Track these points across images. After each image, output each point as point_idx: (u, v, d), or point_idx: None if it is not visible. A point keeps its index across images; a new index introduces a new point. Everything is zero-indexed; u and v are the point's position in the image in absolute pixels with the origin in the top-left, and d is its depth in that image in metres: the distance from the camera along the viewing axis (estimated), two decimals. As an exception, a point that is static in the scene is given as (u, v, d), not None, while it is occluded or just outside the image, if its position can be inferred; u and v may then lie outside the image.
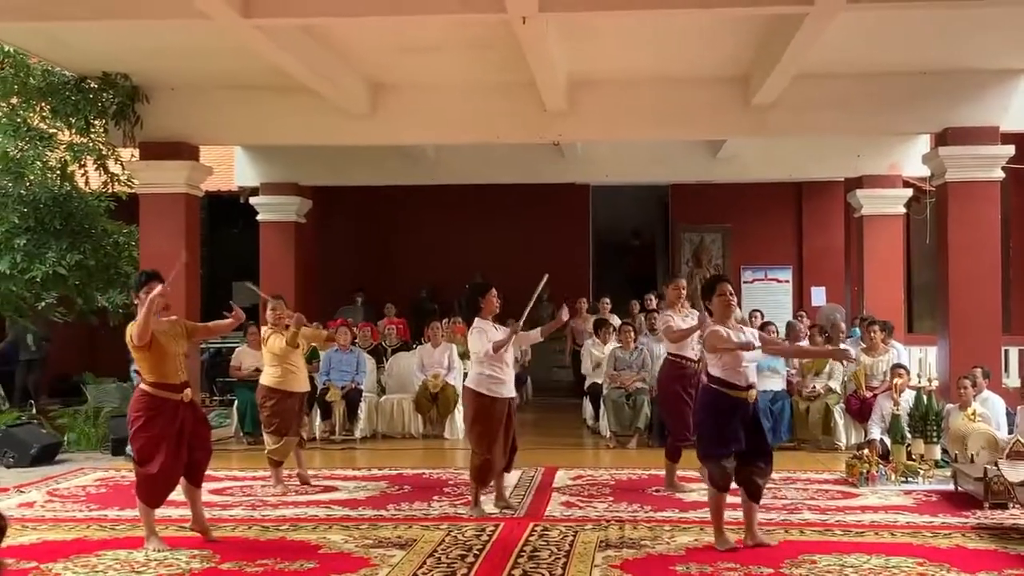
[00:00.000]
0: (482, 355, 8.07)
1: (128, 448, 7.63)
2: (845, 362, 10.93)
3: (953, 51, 10.99)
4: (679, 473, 9.29)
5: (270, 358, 9.48)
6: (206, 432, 7.48)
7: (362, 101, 11.97)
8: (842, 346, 11.46)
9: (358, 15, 8.99)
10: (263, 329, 9.75)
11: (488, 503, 8.33)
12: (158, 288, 6.93)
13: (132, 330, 6.96)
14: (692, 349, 9.12)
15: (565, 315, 8.52)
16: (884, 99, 11.87)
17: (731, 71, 11.63)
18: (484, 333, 8.11)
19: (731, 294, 7.05)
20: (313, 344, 10.72)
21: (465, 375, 13.22)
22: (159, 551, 6.95)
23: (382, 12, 8.91)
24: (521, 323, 8.16)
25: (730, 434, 6.81)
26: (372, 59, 11.21)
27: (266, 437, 9.54)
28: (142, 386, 7.14)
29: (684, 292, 9.40)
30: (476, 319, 8.25)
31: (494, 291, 8.31)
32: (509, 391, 8.24)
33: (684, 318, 9.13)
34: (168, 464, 7.02)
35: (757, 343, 6.92)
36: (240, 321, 7.63)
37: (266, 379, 9.52)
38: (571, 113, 12.06)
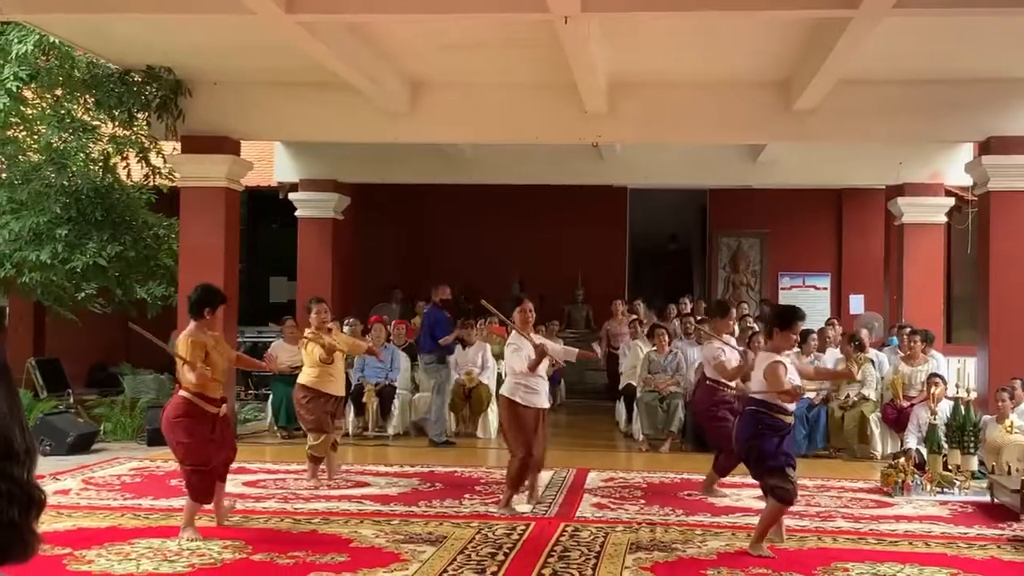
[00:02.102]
0: (517, 369, 8.17)
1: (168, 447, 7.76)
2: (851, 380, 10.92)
3: (998, 59, 10.87)
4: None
5: (308, 359, 9.61)
6: (230, 431, 7.93)
7: (402, 99, 12.00)
8: (872, 351, 11.51)
9: (401, 12, 9.01)
10: (306, 331, 9.85)
11: (520, 503, 8.35)
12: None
13: (189, 350, 7.12)
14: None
15: (599, 351, 8.68)
16: (927, 107, 11.77)
17: (773, 75, 11.56)
18: (520, 351, 8.19)
19: (798, 333, 7.25)
20: (355, 353, 10.82)
21: (499, 375, 13.34)
22: (192, 540, 7.01)
23: (424, 10, 8.93)
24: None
25: (788, 449, 6.99)
26: (413, 57, 11.23)
27: (309, 436, 9.66)
28: (183, 393, 7.24)
29: (732, 323, 9.59)
30: (512, 334, 8.39)
31: (528, 304, 8.41)
32: (542, 401, 8.36)
33: (728, 348, 9.16)
34: (215, 461, 7.29)
35: (798, 381, 7.07)
36: (270, 370, 7.88)
37: (303, 378, 9.64)
38: (610, 115, 12.03)
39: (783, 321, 7.12)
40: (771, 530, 7.07)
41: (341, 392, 9.86)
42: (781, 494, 6.90)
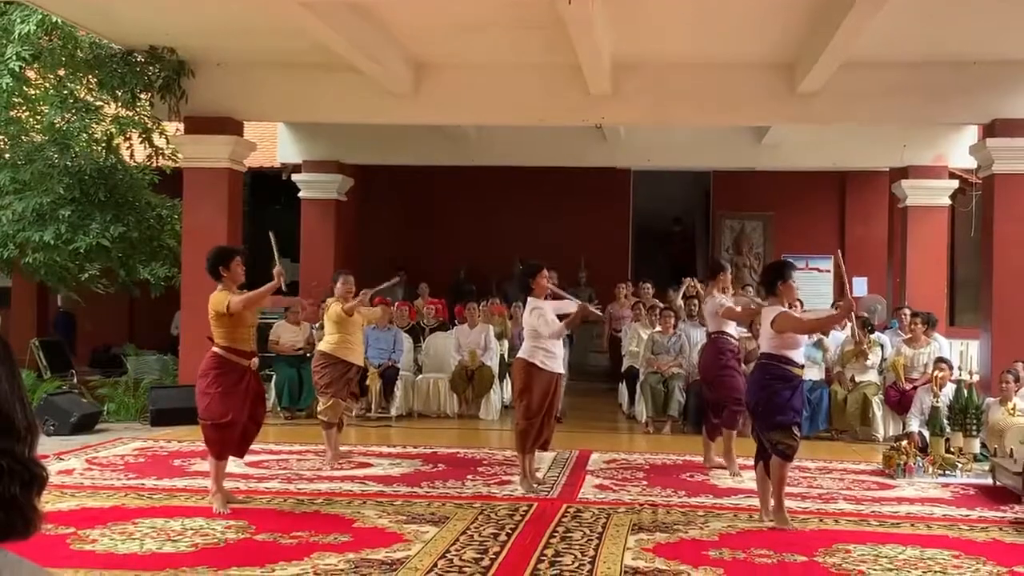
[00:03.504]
0: (545, 334, 8.19)
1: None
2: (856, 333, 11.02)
3: (1002, 42, 10.85)
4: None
5: (330, 327, 9.66)
6: (262, 409, 7.98)
7: (405, 80, 11.98)
8: (877, 336, 11.57)
9: (404, -7, 9.01)
10: (328, 300, 9.92)
11: (519, 485, 8.37)
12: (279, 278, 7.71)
13: (224, 299, 7.42)
14: (735, 328, 9.53)
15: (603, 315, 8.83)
16: (932, 89, 11.75)
17: (777, 57, 11.53)
18: (543, 313, 8.24)
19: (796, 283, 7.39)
20: (371, 321, 10.83)
21: (501, 356, 13.36)
22: (221, 511, 7.19)
23: (428, -9, 8.92)
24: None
25: (796, 404, 7.10)
26: (416, 38, 11.22)
27: (319, 401, 9.70)
28: (214, 349, 7.58)
29: (728, 279, 9.71)
30: (530, 299, 8.39)
31: (545, 272, 8.45)
32: (559, 366, 8.41)
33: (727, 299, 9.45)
34: (236, 417, 7.49)
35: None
36: (280, 281, 7.83)
37: (323, 345, 9.71)
38: (615, 96, 12.02)
39: (780, 275, 7.35)
40: (774, 512, 7.09)
41: (360, 361, 9.88)
42: (784, 449, 7.03)
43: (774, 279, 7.40)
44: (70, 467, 9.06)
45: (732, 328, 9.43)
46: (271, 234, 8.38)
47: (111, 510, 7.34)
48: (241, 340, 7.61)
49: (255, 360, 7.78)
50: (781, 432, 7.05)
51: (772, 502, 7.21)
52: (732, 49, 11.38)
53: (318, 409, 9.71)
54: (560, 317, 8.39)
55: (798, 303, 7.43)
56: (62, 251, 12.46)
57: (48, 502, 7.32)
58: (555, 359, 8.32)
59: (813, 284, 18.22)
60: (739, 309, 9.12)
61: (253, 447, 9.39)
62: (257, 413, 7.83)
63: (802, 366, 7.30)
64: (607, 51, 10.86)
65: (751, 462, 7.78)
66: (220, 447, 7.50)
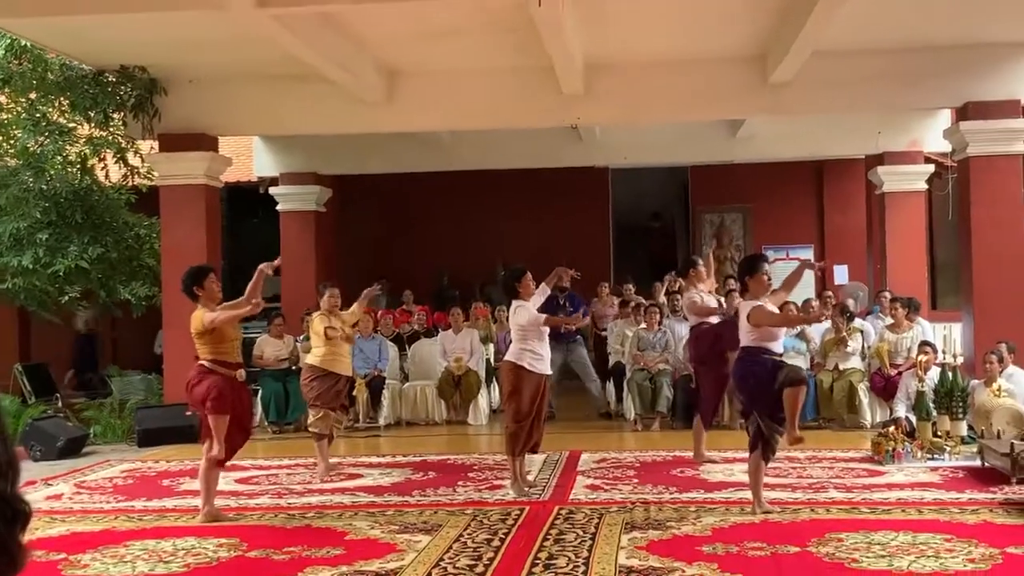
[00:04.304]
0: (528, 325, 8.25)
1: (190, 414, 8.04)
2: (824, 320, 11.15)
3: (973, 25, 10.90)
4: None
5: (316, 339, 9.70)
6: (249, 418, 8.19)
7: (378, 89, 11.97)
8: (859, 321, 11.64)
9: (373, 1, 9.00)
10: (314, 314, 9.95)
11: (529, 472, 8.42)
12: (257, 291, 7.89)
13: (203, 316, 7.55)
14: (716, 320, 9.74)
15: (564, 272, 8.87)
16: (904, 75, 11.80)
17: (748, 50, 11.57)
18: (527, 311, 8.31)
19: (770, 275, 7.49)
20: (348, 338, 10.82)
21: (488, 361, 13.35)
22: (209, 519, 7.41)
23: (397, -2, 8.91)
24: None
25: (777, 399, 7.19)
26: (388, 46, 11.20)
27: (310, 413, 9.70)
28: (201, 361, 7.65)
29: (703, 273, 10.04)
30: (515, 300, 8.46)
31: (529, 275, 8.49)
32: (546, 368, 8.42)
33: (705, 293, 9.86)
34: (232, 412, 7.63)
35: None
36: (262, 273, 8.02)
37: (311, 358, 9.72)
38: (588, 96, 12.03)
39: (750, 268, 7.56)
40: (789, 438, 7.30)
41: (348, 372, 9.87)
42: (766, 445, 7.27)
43: (742, 274, 7.65)
44: (59, 492, 9.01)
45: (713, 320, 9.63)
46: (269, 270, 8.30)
47: (102, 534, 7.30)
48: (226, 353, 7.67)
49: (241, 372, 7.82)
50: (768, 420, 7.23)
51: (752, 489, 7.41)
52: (703, 44, 11.41)
53: (309, 421, 9.69)
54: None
55: (770, 286, 7.49)
56: (41, 275, 12.38)
57: (38, 528, 7.28)
58: (542, 360, 8.33)
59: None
60: (700, 304, 9.63)
61: (242, 463, 9.40)
62: (245, 421, 7.91)
63: (781, 354, 7.42)
64: (579, 52, 10.88)
65: (741, 455, 7.80)
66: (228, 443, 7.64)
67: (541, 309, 12.72)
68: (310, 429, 9.64)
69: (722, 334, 9.39)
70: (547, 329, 8.47)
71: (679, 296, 13.35)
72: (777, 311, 7.52)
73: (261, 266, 8.10)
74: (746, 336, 7.35)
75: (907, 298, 12.26)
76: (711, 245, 10.36)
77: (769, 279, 7.44)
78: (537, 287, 8.52)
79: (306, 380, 9.64)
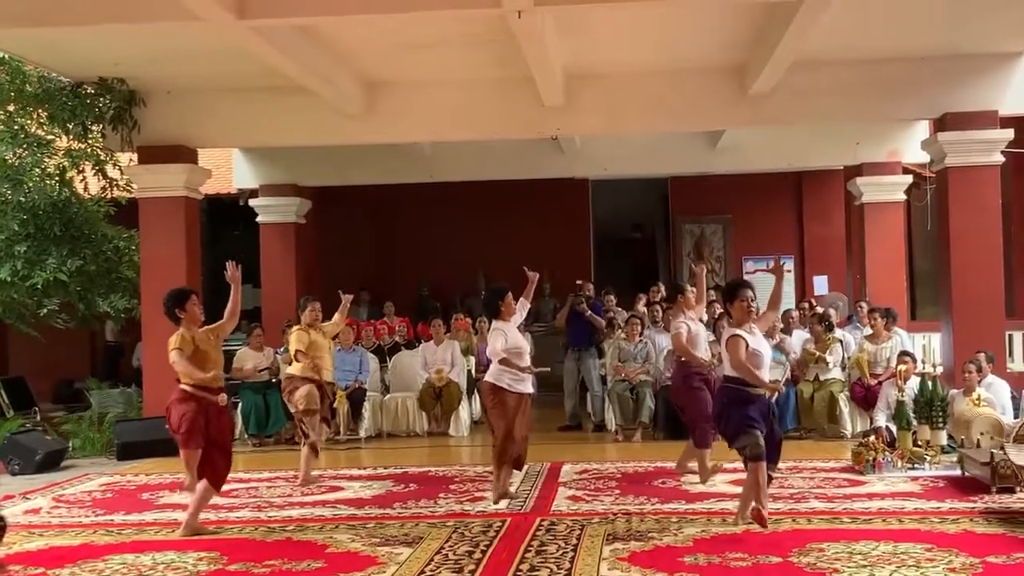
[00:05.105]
0: (498, 352, 8.15)
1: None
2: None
3: (950, 36, 10.98)
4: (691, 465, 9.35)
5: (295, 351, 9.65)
6: (230, 438, 8.06)
7: (357, 100, 11.96)
8: (838, 331, 11.66)
9: (353, 13, 8.97)
10: (294, 328, 9.89)
11: (513, 483, 8.40)
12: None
13: (174, 343, 7.56)
14: (704, 350, 9.38)
15: (533, 276, 8.81)
16: (882, 85, 11.87)
17: (727, 61, 11.62)
18: (503, 334, 8.21)
19: (752, 300, 7.32)
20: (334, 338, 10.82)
21: (469, 372, 13.33)
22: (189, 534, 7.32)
23: (377, 10, 8.89)
24: None
25: (754, 414, 7.06)
26: (367, 58, 11.20)
27: (293, 401, 9.63)
28: (181, 386, 7.60)
29: (692, 299, 9.58)
30: (495, 321, 8.39)
31: (511, 296, 8.43)
32: (527, 387, 8.34)
33: (694, 321, 9.38)
34: (201, 438, 7.58)
35: (764, 348, 7.29)
36: (238, 280, 8.12)
37: (293, 369, 9.69)
38: (568, 108, 12.06)
39: (729, 295, 7.48)
40: (752, 512, 7.10)
41: (330, 378, 9.92)
42: (747, 452, 7.05)
43: (725, 300, 7.62)
44: (37, 506, 8.94)
45: (701, 350, 9.32)
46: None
47: (80, 548, 7.24)
48: (208, 378, 7.61)
49: (223, 396, 7.76)
50: (740, 438, 7.08)
51: (742, 499, 7.32)
52: (683, 55, 11.45)
53: (296, 398, 9.55)
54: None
55: (752, 312, 7.37)
56: (19, 288, 12.30)
57: (15, 543, 7.22)
58: (522, 381, 8.25)
59: (773, 284, 18.30)
60: (700, 339, 9.29)
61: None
62: (226, 445, 7.82)
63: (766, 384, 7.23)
64: (559, 63, 10.90)
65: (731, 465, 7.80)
66: (212, 471, 7.58)
67: (569, 320, 12.74)
68: (297, 416, 9.63)
69: (699, 377, 9.20)
70: (527, 348, 8.39)
71: (659, 307, 13.38)
72: (760, 339, 7.27)
73: (235, 276, 8.13)
74: (728, 365, 7.24)
75: (884, 308, 12.30)
76: (698, 266, 10.00)
77: (750, 306, 7.27)
78: (517, 302, 8.48)
79: (288, 390, 9.63)
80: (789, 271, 18.62)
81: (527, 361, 8.32)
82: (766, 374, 7.27)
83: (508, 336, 8.21)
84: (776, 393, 7.38)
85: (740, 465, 7.44)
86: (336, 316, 10.16)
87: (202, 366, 7.58)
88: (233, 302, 8.04)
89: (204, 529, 7.63)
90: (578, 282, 13.91)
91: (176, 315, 7.67)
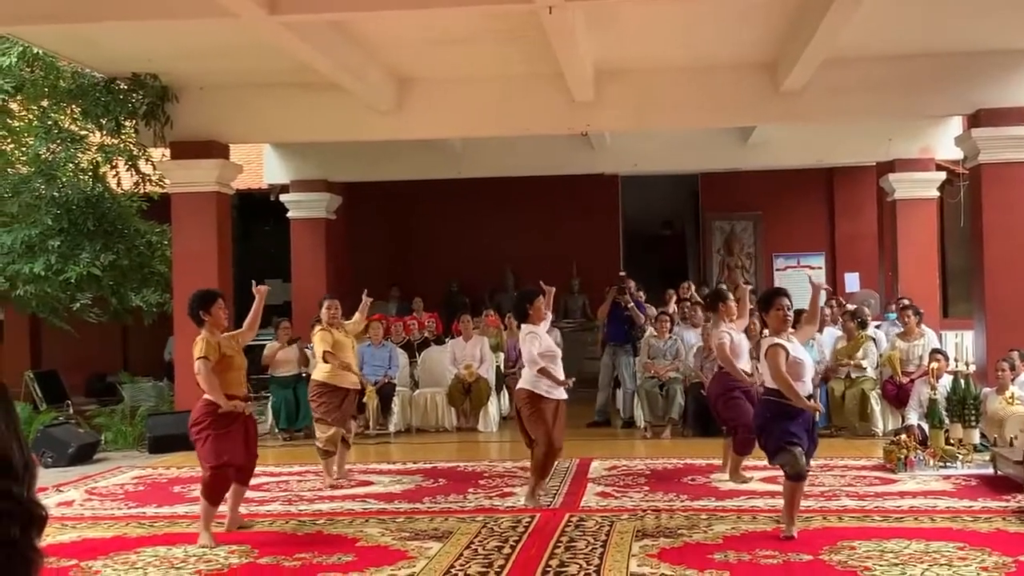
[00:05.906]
0: (535, 358, 8.10)
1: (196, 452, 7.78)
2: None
3: (985, 31, 10.87)
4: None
5: (320, 354, 9.56)
6: (254, 449, 7.77)
7: (389, 96, 11.98)
8: (871, 328, 11.50)
9: (385, 9, 8.99)
10: (316, 328, 9.77)
11: (543, 496, 8.32)
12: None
13: (198, 351, 7.33)
14: (746, 361, 9.24)
15: (550, 290, 8.75)
16: (915, 81, 11.77)
17: (760, 57, 11.56)
18: (537, 338, 8.17)
19: (788, 308, 7.14)
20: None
21: (497, 368, 13.35)
22: (206, 546, 7.00)
23: (408, 6, 8.91)
24: None
25: (796, 429, 6.85)
26: (398, 54, 11.22)
27: (316, 429, 9.55)
28: (205, 396, 7.37)
29: (734, 308, 9.36)
30: (525, 325, 8.32)
31: (541, 299, 8.40)
32: (562, 393, 8.27)
33: (735, 331, 9.23)
34: (231, 459, 7.32)
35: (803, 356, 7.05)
36: (263, 294, 7.93)
37: (317, 374, 9.58)
38: (599, 103, 12.03)
39: (765, 304, 7.26)
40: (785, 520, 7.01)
41: (355, 385, 9.72)
42: (787, 470, 6.89)
43: (760, 309, 7.46)
44: (70, 498, 9.02)
45: (744, 360, 9.19)
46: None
47: (113, 540, 7.31)
48: (231, 384, 7.45)
49: (248, 404, 7.65)
50: (780, 455, 6.90)
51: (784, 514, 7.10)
52: (714, 51, 11.40)
53: (317, 436, 9.50)
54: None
55: (789, 320, 7.20)
56: (53, 282, 12.41)
57: (49, 535, 7.27)
58: (557, 387, 8.20)
59: (805, 282, 18.19)
60: (743, 348, 9.13)
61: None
62: (251, 447, 7.65)
63: (808, 396, 7.00)
64: (589, 58, 10.87)
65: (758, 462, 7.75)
66: (213, 491, 7.30)
67: (610, 315, 12.56)
68: (317, 446, 9.49)
69: (741, 390, 9.03)
70: (559, 353, 8.35)
71: (688, 304, 13.36)
72: (799, 348, 7.06)
73: (260, 290, 7.99)
74: (768, 376, 7.01)
75: (912, 306, 12.20)
76: (740, 288, 9.68)
77: (786, 314, 7.08)
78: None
79: (313, 396, 9.54)
80: (820, 268, 18.58)
81: (560, 366, 8.27)
82: (808, 383, 7.08)
83: (541, 340, 8.19)
84: (818, 413, 7.16)
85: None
86: (356, 315, 10.15)
87: (226, 372, 7.41)
88: (254, 314, 7.92)
89: (244, 522, 7.66)
90: (621, 273, 13.89)
91: (200, 317, 7.48)
